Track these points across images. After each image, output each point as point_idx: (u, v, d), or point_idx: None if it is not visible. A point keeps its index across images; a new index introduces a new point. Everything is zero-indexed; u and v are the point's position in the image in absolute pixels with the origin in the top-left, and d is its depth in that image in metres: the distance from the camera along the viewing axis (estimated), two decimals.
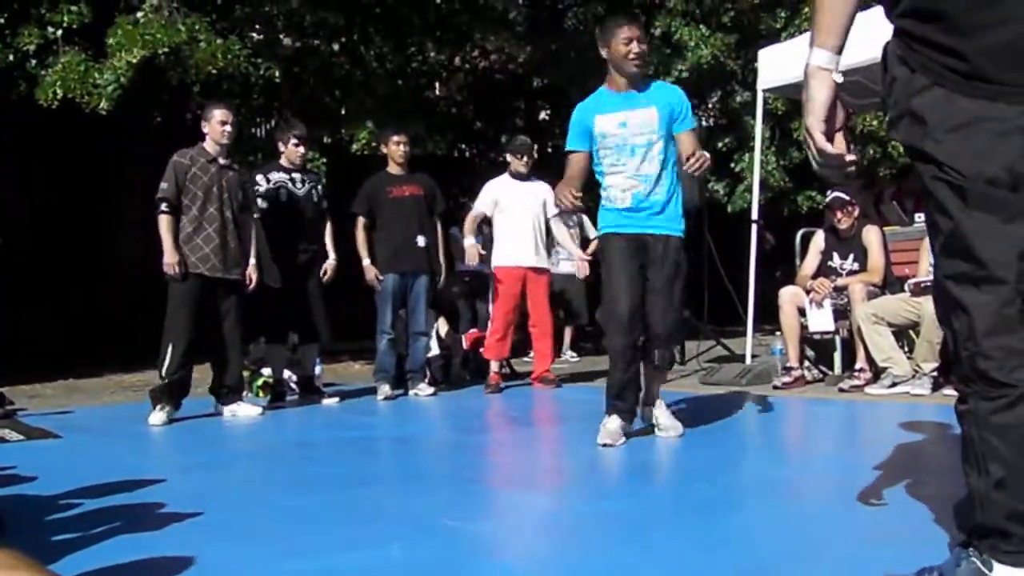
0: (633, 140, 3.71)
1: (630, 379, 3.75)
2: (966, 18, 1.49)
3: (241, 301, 5.12)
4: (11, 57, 6.88)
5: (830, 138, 1.63)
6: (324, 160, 8.18)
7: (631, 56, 3.62)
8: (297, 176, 5.65)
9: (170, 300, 4.92)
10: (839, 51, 1.62)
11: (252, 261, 5.21)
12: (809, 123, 1.62)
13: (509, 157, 6.38)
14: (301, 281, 5.57)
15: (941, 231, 1.57)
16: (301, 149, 5.68)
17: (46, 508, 2.79)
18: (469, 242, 6.21)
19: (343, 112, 9.07)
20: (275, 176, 5.62)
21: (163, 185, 4.92)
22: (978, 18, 1.49)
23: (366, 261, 5.88)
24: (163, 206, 4.88)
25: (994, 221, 1.50)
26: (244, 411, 5.11)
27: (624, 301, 3.65)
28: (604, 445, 3.63)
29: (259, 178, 5.59)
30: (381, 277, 5.84)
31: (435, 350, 6.63)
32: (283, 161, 5.69)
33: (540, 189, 6.19)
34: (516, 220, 6.15)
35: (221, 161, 5.05)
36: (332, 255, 5.76)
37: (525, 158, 6.26)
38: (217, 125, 5.01)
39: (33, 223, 8.77)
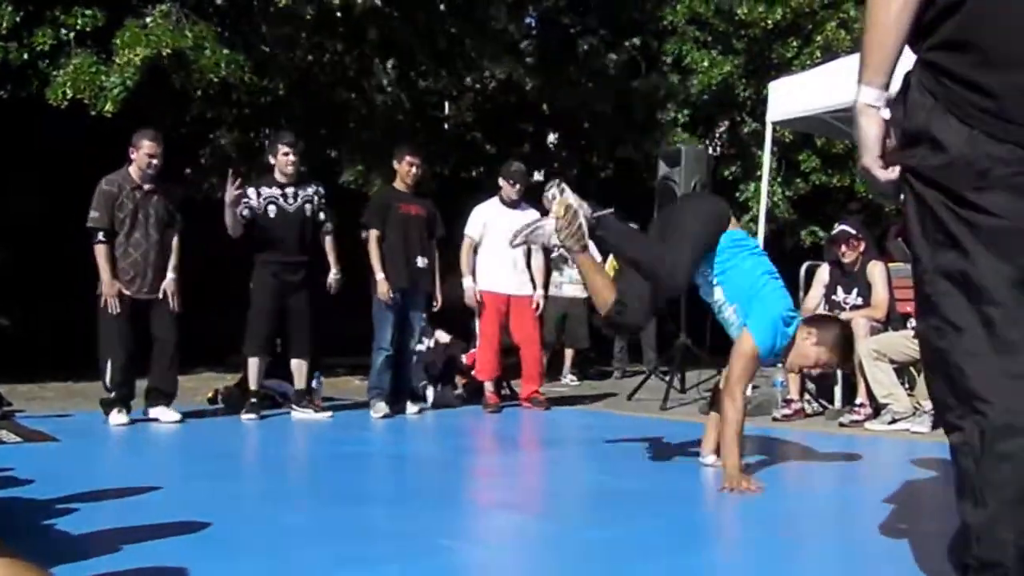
0: None
1: None
2: (1004, 49, 1.47)
3: (171, 315, 5.21)
4: (25, 56, 6.95)
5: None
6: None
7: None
8: (290, 191, 5.55)
9: (100, 318, 5.07)
10: (886, 88, 1.64)
11: (171, 276, 5.22)
12: (867, 163, 1.66)
13: (502, 182, 6.25)
14: (285, 297, 5.53)
15: (949, 271, 1.56)
16: (291, 158, 5.56)
17: (41, 512, 2.78)
18: (468, 283, 6.13)
19: (334, 155, 9.05)
20: (266, 191, 5.52)
21: (93, 214, 5.01)
22: (1017, 51, 1.46)
23: (380, 276, 5.69)
24: (100, 235, 5.00)
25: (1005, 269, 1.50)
26: (167, 416, 5.16)
27: None
28: None
29: (250, 191, 5.46)
30: (393, 293, 5.72)
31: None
32: (276, 175, 5.58)
33: (528, 217, 5.83)
34: (500, 247, 5.82)
35: (146, 187, 5.13)
36: (335, 269, 5.74)
37: (518, 185, 6.17)
38: (144, 156, 5.09)
39: (34, 228, 8.78)
